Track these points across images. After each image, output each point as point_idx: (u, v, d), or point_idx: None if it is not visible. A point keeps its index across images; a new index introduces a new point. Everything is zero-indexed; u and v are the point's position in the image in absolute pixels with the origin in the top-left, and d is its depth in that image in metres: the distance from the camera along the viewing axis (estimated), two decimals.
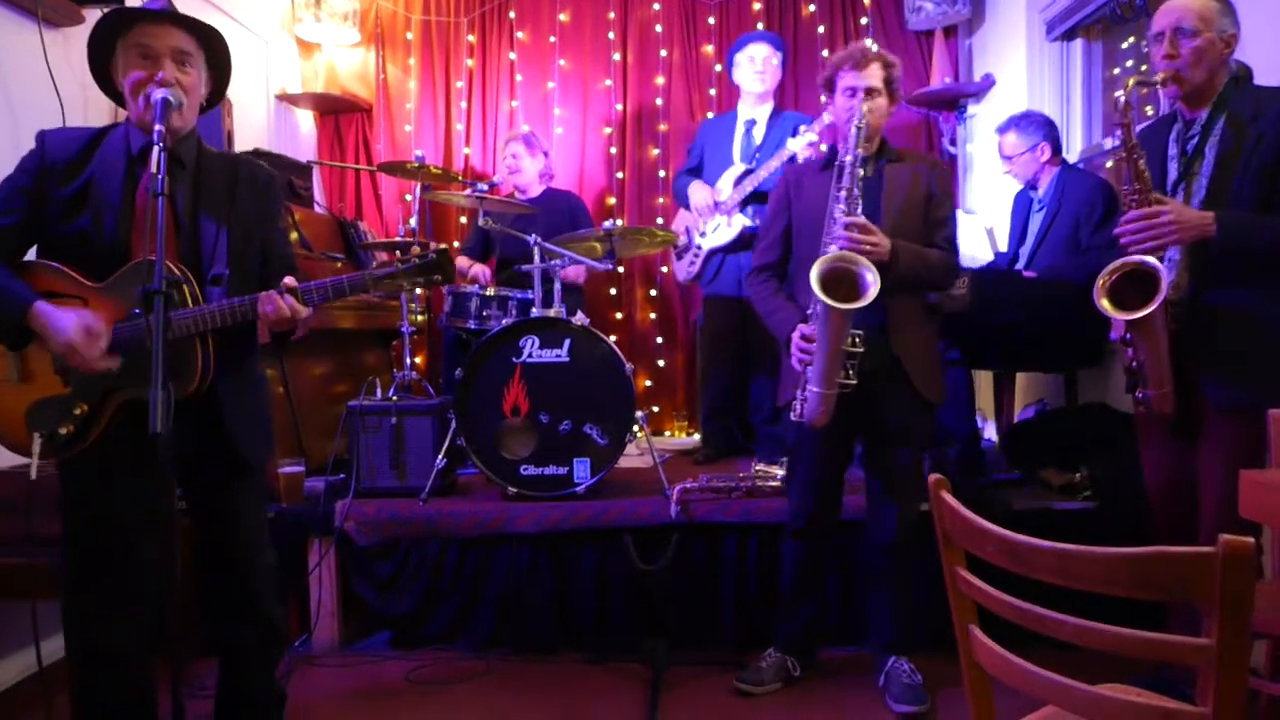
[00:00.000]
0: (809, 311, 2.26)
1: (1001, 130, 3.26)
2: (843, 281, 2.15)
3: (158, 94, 1.73)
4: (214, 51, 1.89)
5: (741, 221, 3.55)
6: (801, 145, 3.36)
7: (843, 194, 2.25)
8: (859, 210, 2.23)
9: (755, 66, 3.63)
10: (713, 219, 3.60)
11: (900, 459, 2.40)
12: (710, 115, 4.35)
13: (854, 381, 2.21)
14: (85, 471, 1.81)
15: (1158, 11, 2.10)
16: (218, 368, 1.83)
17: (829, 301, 2.09)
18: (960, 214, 4.11)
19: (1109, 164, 3.50)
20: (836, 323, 2.14)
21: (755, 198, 3.53)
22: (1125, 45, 3.58)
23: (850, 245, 2.18)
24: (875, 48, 2.40)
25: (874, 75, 2.32)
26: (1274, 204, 1.98)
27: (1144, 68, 2.13)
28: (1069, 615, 1.01)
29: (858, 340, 2.19)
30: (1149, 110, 3.30)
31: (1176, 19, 2.04)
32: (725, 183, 3.60)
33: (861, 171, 2.24)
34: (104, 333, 1.74)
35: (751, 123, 3.70)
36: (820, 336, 2.19)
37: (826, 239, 2.26)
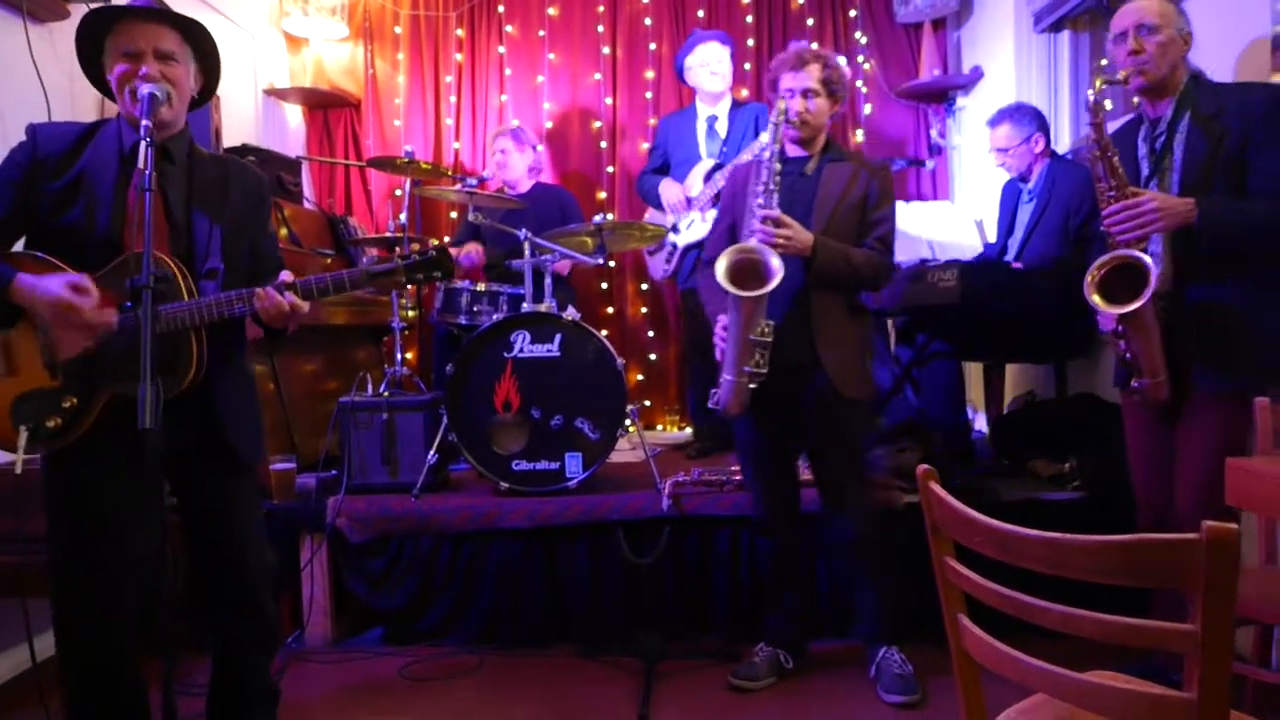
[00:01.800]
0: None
1: (993, 123, 3.26)
2: (754, 271, 2.20)
3: (144, 89, 1.72)
4: (200, 46, 1.88)
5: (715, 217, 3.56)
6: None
7: (760, 188, 2.30)
8: (774, 203, 2.28)
9: (711, 68, 3.63)
10: (686, 216, 3.61)
11: (835, 455, 2.43)
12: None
13: (764, 371, 2.25)
14: (70, 468, 1.80)
15: (1117, 14, 2.18)
16: (211, 363, 1.82)
17: (732, 289, 2.17)
18: (948, 205, 4.13)
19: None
20: (744, 311, 2.20)
21: None
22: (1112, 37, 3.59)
23: (764, 237, 2.24)
24: (815, 48, 2.43)
25: (811, 76, 2.37)
26: (1244, 193, 2.04)
27: (1127, 67, 2.16)
28: (1059, 605, 1.02)
29: (767, 329, 2.24)
30: (1136, 102, 3.31)
31: (1138, 17, 2.11)
32: (695, 179, 3.61)
33: (778, 167, 2.29)
34: (92, 288, 1.70)
35: (713, 118, 3.71)
36: (731, 324, 2.26)
37: (745, 231, 2.32)
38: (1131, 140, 2.25)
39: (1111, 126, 2.77)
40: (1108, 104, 2.70)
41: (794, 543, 2.57)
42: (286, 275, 1.81)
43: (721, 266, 2.20)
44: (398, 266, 1.88)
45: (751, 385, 2.26)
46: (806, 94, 2.36)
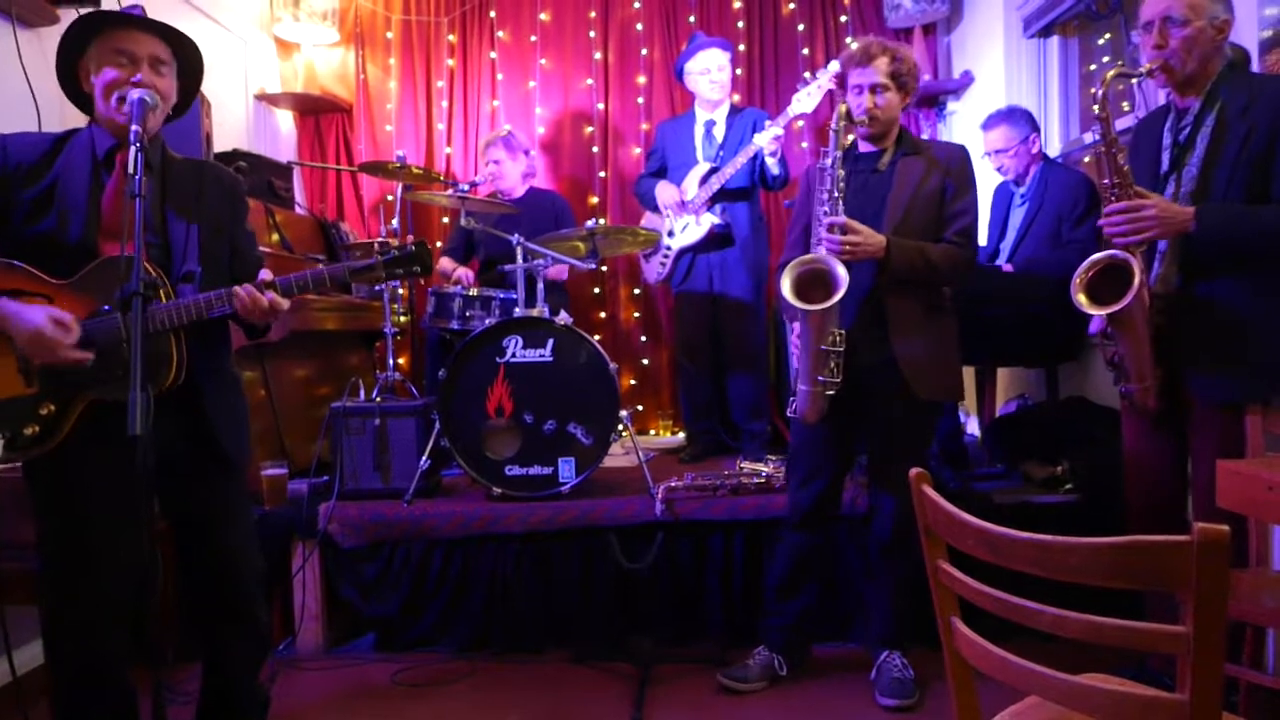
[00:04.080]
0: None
1: (987, 126, 3.27)
2: (819, 281, 2.19)
3: (135, 94, 1.73)
4: (186, 60, 1.89)
5: (710, 220, 3.57)
6: (767, 140, 3.38)
7: (825, 195, 2.28)
8: (839, 210, 2.25)
9: (711, 76, 3.64)
10: (681, 218, 3.62)
11: (897, 457, 2.38)
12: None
13: (839, 379, 2.23)
14: (56, 475, 1.78)
15: (1146, 2, 2.08)
16: (195, 365, 1.81)
17: (799, 304, 2.16)
18: None
19: (1087, 159, 3.53)
20: (812, 322, 2.19)
21: (722, 195, 3.56)
22: (1101, 41, 3.61)
23: (831, 246, 2.21)
24: (882, 41, 2.38)
25: (879, 70, 2.32)
26: (1265, 195, 1.96)
27: (1120, 62, 2.13)
28: (1057, 609, 1.02)
29: (838, 339, 2.22)
30: (1125, 106, 3.33)
31: (1166, 8, 2.01)
32: (691, 182, 3.62)
33: (842, 172, 2.27)
34: (73, 324, 1.71)
35: (711, 123, 3.72)
36: (802, 335, 2.24)
37: (814, 240, 2.30)
38: (1158, 129, 2.17)
39: (1123, 123, 2.73)
40: (1124, 105, 2.61)
41: (821, 544, 2.53)
42: (266, 274, 1.81)
43: (787, 281, 2.18)
44: (377, 262, 1.88)
45: (829, 393, 2.24)
46: (875, 89, 2.32)
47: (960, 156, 2.39)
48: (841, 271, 2.15)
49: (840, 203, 2.26)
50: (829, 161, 2.28)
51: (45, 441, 1.75)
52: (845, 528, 2.68)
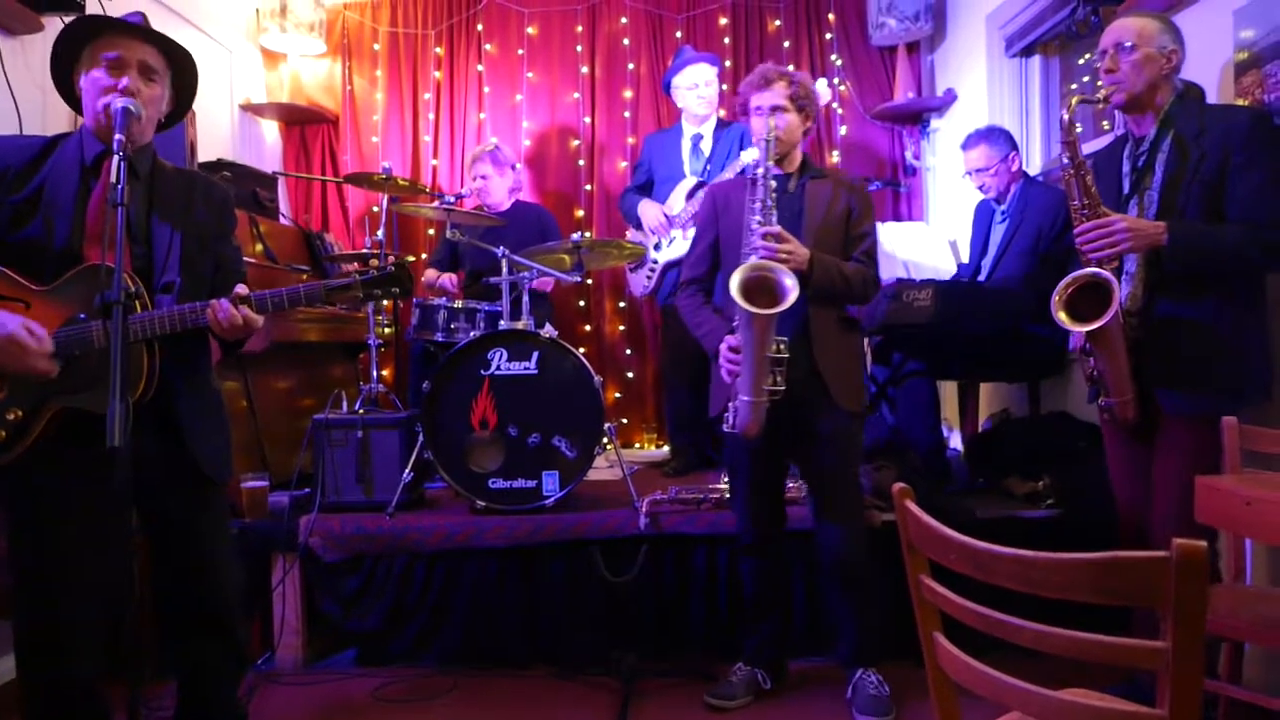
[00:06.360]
0: (735, 323, 2.28)
1: (966, 146, 3.30)
2: (764, 288, 2.20)
3: (119, 103, 1.72)
4: (181, 71, 1.89)
5: None
6: (755, 156, 3.39)
7: (758, 205, 2.31)
8: (774, 220, 2.29)
9: (699, 91, 3.67)
10: (668, 233, 3.63)
11: (832, 470, 2.42)
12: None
13: (782, 388, 2.25)
14: (27, 488, 1.76)
15: (1103, 34, 2.22)
16: (172, 378, 1.80)
17: (750, 308, 2.14)
18: (923, 226, 4.18)
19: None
20: (759, 329, 2.19)
21: None
22: (1082, 61, 3.66)
23: (768, 254, 2.24)
24: (779, 67, 2.46)
25: (778, 94, 2.39)
26: (1219, 216, 2.07)
27: (1100, 84, 2.20)
28: (1038, 625, 1.02)
29: (782, 346, 2.24)
30: (1105, 125, 3.38)
31: (1116, 36, 2.16)
32: (677, 197, 3.63)
33: (773, 184, 2.31)
34: (47, 340, 1.70)
35: (698, 137, 3.75)
36: (745, 344, 2.23)
37: (746, 249, 2.32)
38: (1117, 157, 2.28)
39: (1087, 148, 2.80)
40: (1078, 127, 2.71)
41: (780, 563, 2.56)
42: (241, 288, 1.80)
43: (735, 284, 2.18)
44: (355, 282, 1.88)
45: (767, 404, 2.25)
46: (775, 111, 2.39)
47: (861, 183, 2.52)
48: (790, 280, 2.18)
49: (774, 212, 2.30)
50: (760, 171, 2.33)
51: (12, 447, 1.73)
52: (811, 543, 2.67)
